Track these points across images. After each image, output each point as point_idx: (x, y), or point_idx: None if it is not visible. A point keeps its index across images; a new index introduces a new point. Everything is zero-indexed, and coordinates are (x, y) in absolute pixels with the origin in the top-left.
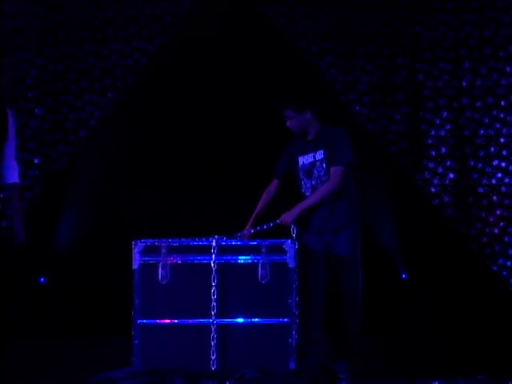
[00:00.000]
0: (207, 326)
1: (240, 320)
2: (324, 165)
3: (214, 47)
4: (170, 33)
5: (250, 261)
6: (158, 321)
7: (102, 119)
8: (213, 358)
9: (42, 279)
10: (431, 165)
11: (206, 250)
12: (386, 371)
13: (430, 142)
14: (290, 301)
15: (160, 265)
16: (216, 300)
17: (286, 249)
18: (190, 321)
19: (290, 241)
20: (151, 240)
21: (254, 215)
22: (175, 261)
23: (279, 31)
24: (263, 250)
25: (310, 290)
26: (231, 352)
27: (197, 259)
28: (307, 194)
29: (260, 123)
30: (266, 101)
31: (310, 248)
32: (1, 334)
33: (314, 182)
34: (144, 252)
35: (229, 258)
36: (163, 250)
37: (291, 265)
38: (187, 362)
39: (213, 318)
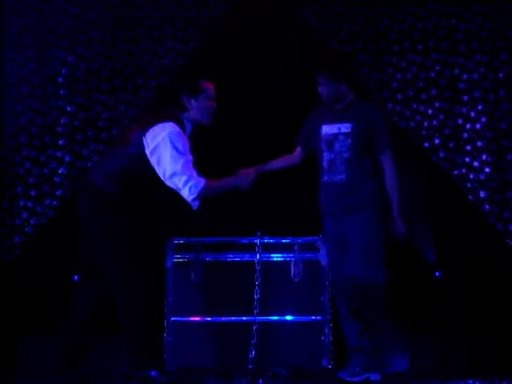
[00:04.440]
0: (244, 324)
1: (274, 318)
2: (349, 140)
3: (248, 48)
4: (205, 36)
5: (282, 259)
6: (191, 318)
7: (134, 118)
8: (251, 355)
9: None
10: (467, 159)
11: (239, 248)
12: (419, 371)
13: (465, 136)
14: (322, 298)
15: (192, 263)
16: (257, 298)
17: (319, 246)
18: (224, 318)
19: (322, 238)
20: (184, 238)
21: (265, 166)
22: (208, 259)
23: (312, 31)
24: (296, 247)
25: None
26: (265, 350)
27: (229, 257)
28: (325, 167)
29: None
30: (298, 100)
31: (327, 234)
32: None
33: (332, 156)
34: (177, 250)
35: (262, 255)
36: (196, 248)
37: (324, 262)
38: (220, 360)
39: (255, 316)
